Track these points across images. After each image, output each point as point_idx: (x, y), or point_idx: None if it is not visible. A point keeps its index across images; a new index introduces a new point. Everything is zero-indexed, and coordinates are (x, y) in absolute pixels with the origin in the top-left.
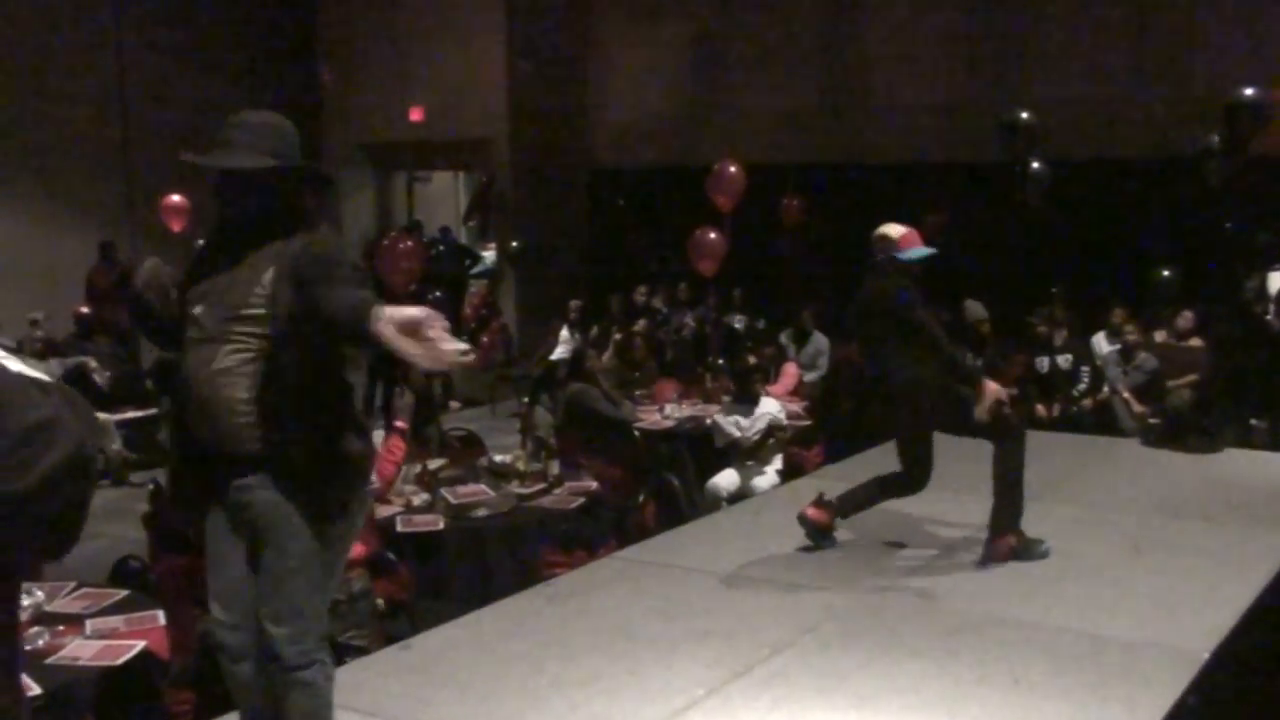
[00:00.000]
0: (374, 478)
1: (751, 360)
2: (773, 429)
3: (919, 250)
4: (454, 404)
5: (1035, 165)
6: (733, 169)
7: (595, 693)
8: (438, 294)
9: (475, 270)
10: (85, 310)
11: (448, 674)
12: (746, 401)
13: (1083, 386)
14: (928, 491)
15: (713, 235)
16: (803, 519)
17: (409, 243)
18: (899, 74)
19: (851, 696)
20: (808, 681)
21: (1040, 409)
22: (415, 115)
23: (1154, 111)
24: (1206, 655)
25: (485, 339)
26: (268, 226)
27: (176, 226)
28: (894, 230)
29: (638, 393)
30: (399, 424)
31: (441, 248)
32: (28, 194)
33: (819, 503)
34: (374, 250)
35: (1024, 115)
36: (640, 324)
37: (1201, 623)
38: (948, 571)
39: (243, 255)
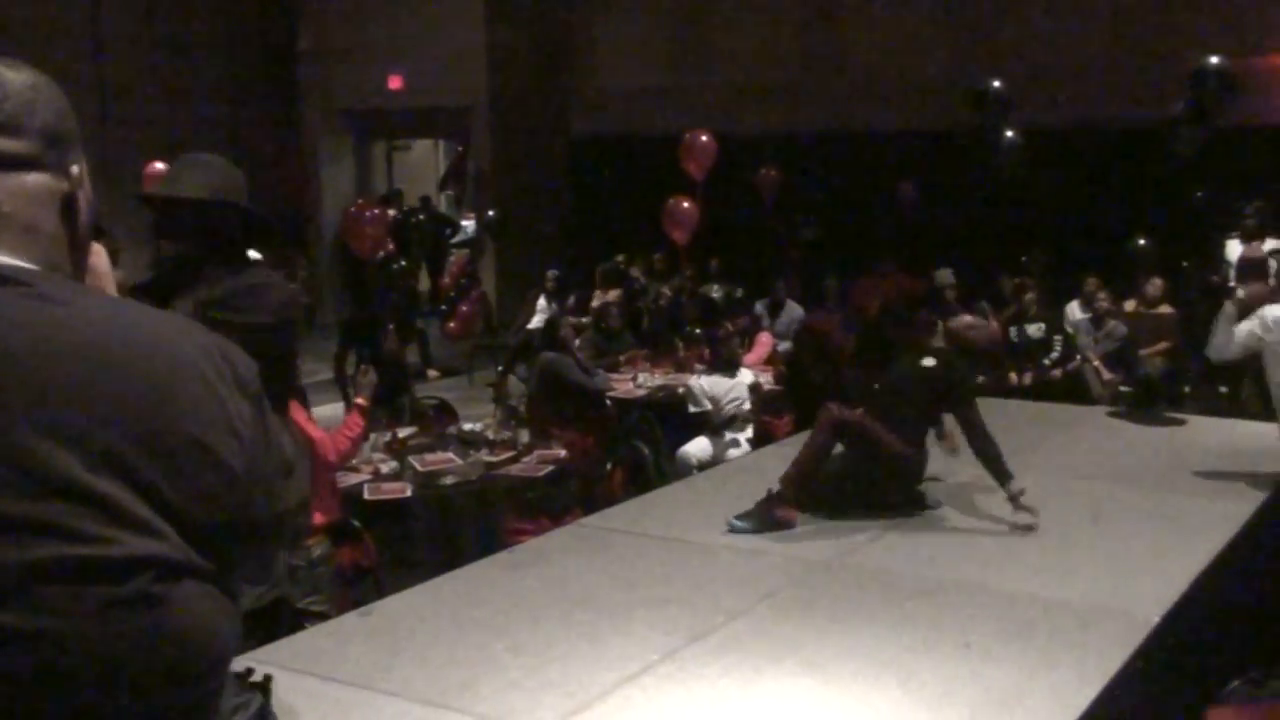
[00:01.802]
0: (330, 453)
1: (728, 327)
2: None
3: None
4: (432, 373)
5: (1008, 134)
6: (704, 138)
7: (551, 658)
8: (402, 263)
9: (455, 240)
10: (160, 166)
11: (406, 640)
12: (723, 368)
13: (1054, 355)
14: None
15: (686, 204)
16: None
17: (375, 211)
18: (878, 43)
19: (803, 663)
20: (761, 647)
21: (1012, 377)
22: (394, 83)
23: (1127, 79)
24: (1156, 620)
25: (464, 308)
26: (200, 264)
27: None
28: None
29: (621, 358)
30: (359, 400)
31: (421, 217)
32: None
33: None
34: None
35: (995, 83)
36: (613, 293)
37: (1153, 588)
38: (909, 537)
39: (170, 298)
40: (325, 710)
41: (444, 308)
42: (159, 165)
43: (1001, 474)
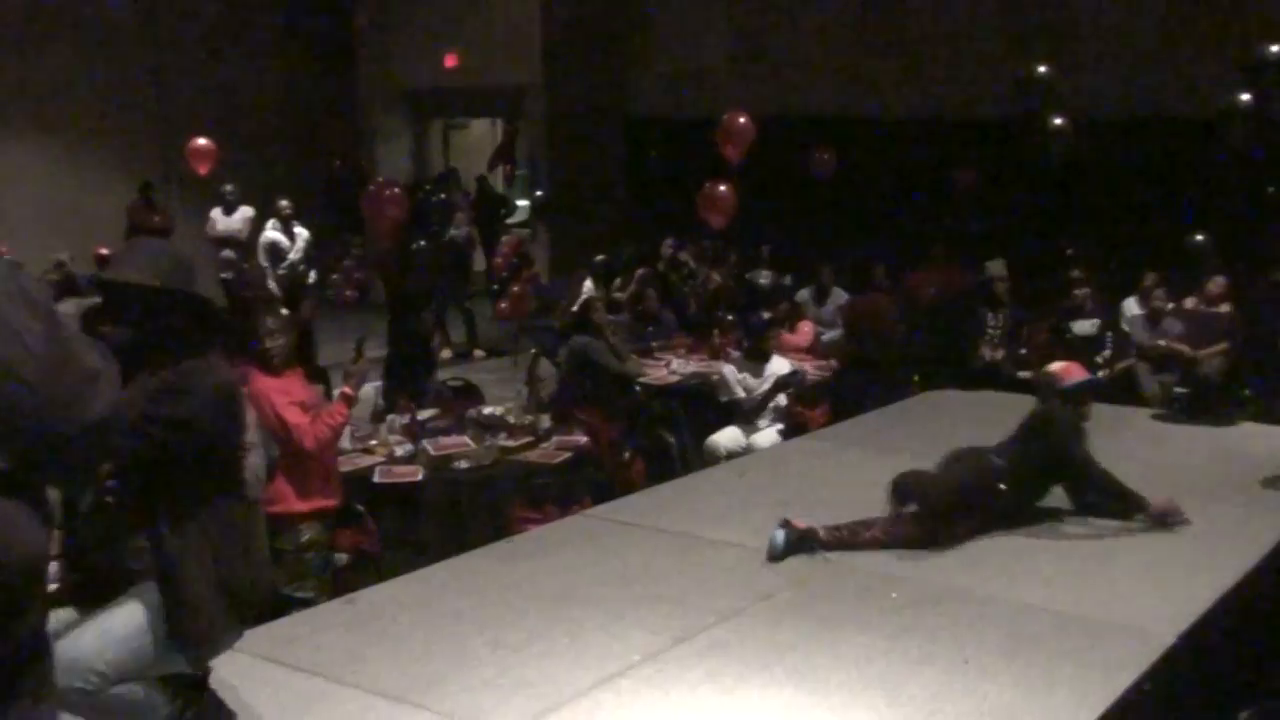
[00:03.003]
0: (307, 439)
1: (766, 315)
2: (779, 386)
3: (1078, 378)
4: (478, 353)
5: (1057, 121)
6: (742, 120)
7: (530, 656)
8: (422, 243)
9: (510, 219)
10: (105, 252)
11: (385, 630)
12: (758, 358)
13: (1106, 353)
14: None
15: (722, 188)
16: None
17: (394, 189)
18: (936, 27)
19: (789, 670)
20: (748, 653)
21: None
22: (450, 62)
23: (1184, 68)
24: (1171, 640)
25: (515, 288)
26: (144, 349)
27: (203, 170)
28: (1055, 366)
29: (654, 344)
30: (345, 390)
31: (442, 195)
32: (64, 139)
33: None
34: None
35: (1040, 69)
36: (640, 272)
37: (1173, 606)
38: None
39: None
40: (284, 702)
41: (495, 288)
42: (201, 141)
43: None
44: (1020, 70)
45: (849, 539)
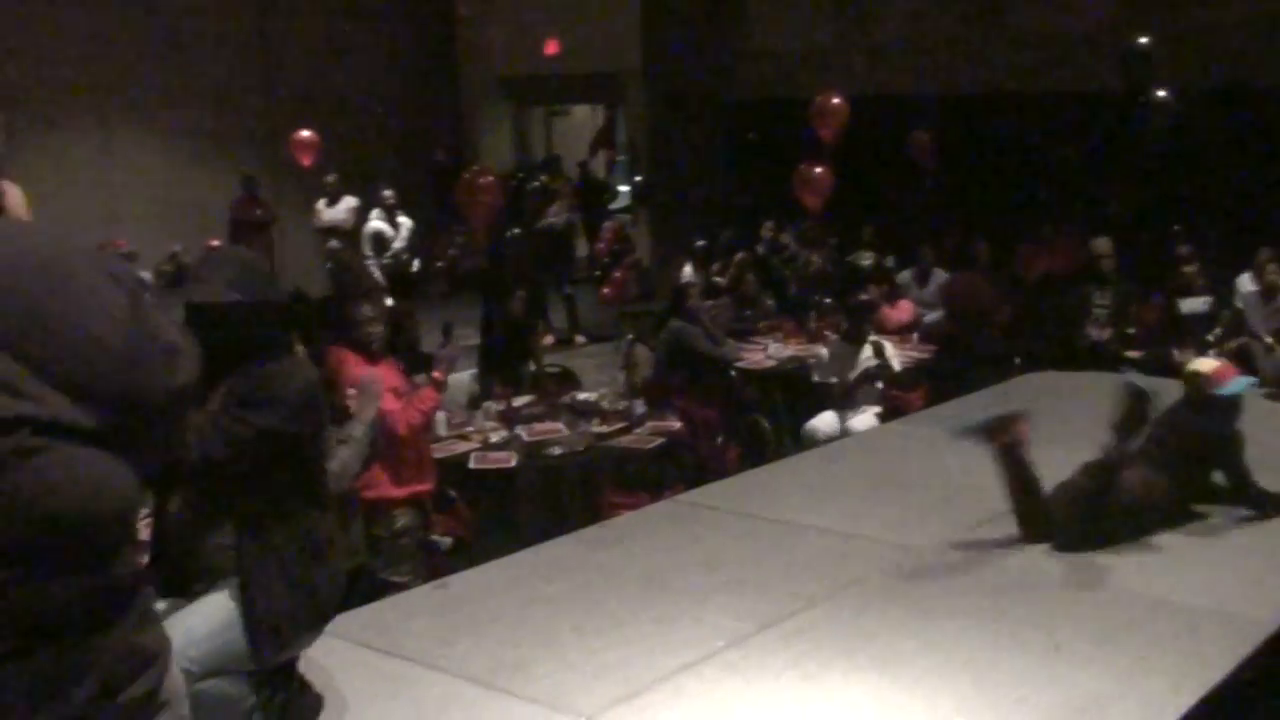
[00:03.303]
0: (400, 425)
1: (863, 297)
2: (866, 378)
3: (1237, 383)
4: (579, 339)
5: (1160, 94)
6: (835, 100)
7: (614, 641)
8: (515, 231)
9: (612, 205)
10: (215, 244)
11: (472, 615)
12: (856, 341)
13: (1218, 331)
14: (1034, 442)
15: (818, 170)
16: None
17: (488, 177)
18: (1039, 1)
19: (874, 657)
20: (834, 638)
21: (1175, 353)
22: (551, 48)
23: None
24: (1275, 628)
25: (618, 274)
26: (228, 358)
27: (306, 161)
28: (1205, 366)
29: (761, 325)
30: (436, 375)
31: (535, 183)
32: (176, 129)
33: None
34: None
35: (1141, 40)
36: (739, 255)
37: (1277, 592)
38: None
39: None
40: (372, 686)
41: (598, 273)
42: (304, 133)
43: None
44: (1125, 43)
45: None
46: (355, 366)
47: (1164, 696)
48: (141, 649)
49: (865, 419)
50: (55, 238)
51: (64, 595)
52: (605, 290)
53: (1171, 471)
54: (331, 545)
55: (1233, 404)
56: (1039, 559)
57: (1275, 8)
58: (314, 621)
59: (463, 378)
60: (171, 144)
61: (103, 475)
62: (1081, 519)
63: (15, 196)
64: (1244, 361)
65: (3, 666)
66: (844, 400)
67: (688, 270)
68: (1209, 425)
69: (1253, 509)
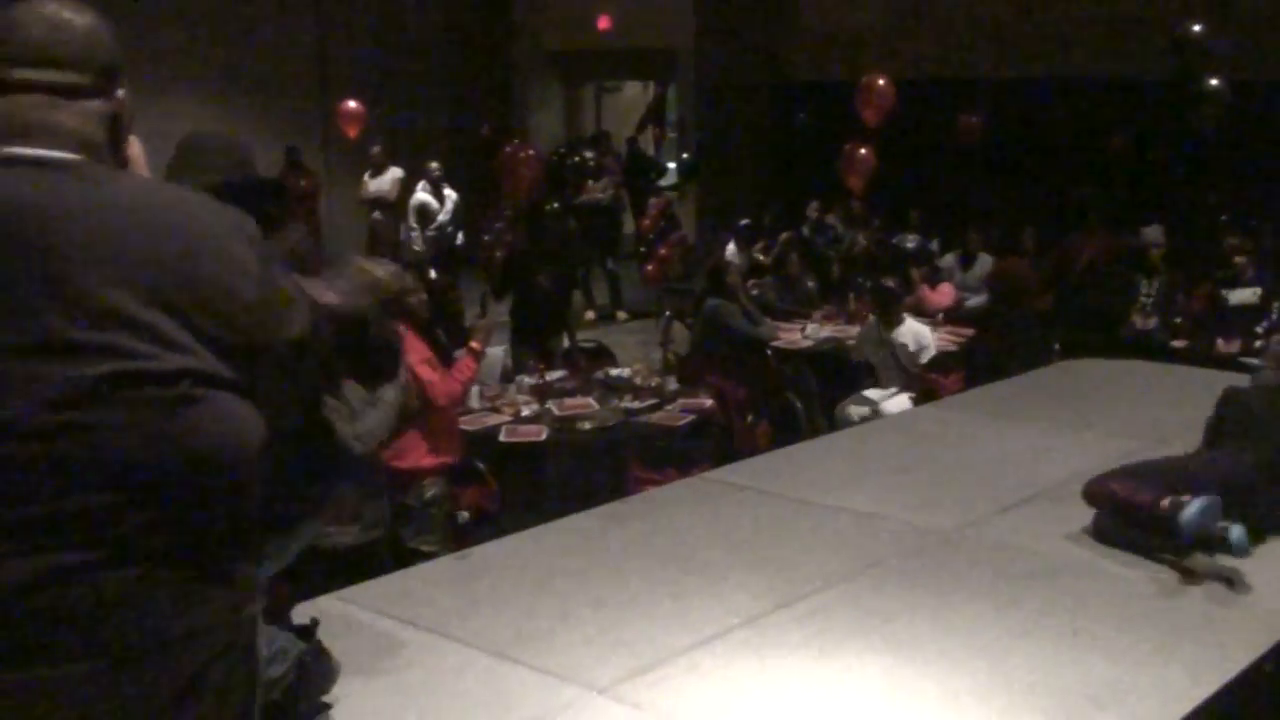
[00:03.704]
0: (440, 395)
1: (889, 282)
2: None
3: None
4: (621, 315)
5: (1213, 83)
6: (880, 82)
7: (632, 616)
8: (555, 205)
9: (661, 183)
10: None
11: (492, 588)
12: (890, 323)
13: (1265, 324)
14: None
15: (862, 151)
16: None
17: (529, 151)
18: None
19: (889, 639)
20: (850, 619)
21: (1220, 344)
22: (603, 23)
23: None
24: None
25: (663, 251)
26: None
27: (352, 132)
28: None
29: (803, 306)
30: (474, 344)
31: (578, 159)
32: (230, 105)
33: None
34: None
35: (1196, 28)
36: (783, 235)
37: None
38: (1042, 511)
39: None
40: (392, 655)
41: (643, 250)
42: (351, 104)
43: None
44: (1178, 29)
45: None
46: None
47: (1182, 686)
48: (254, 575)
49: (899, 401)
50: (186, 195)
51: (207, 525)
52: (649, 267)
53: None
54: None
55: None
56: (1061, 545)
57: None
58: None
59: (495, 351)
60: (226, 115)
61: (244, 419)
62: None
63: (137, 151)
64: None
65: (155, 581)
66: (874, 382)
67: (731, 249)
68: None
69: None
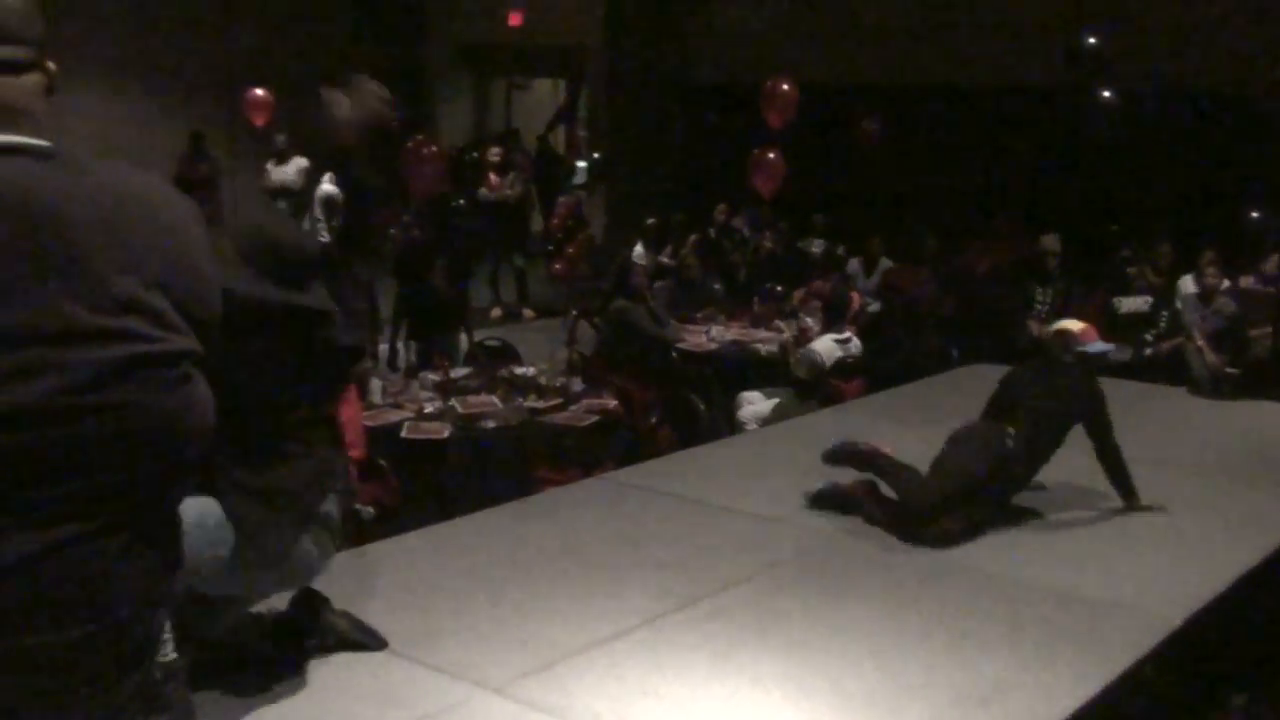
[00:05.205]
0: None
1: (778, 288)
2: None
3: (1100, 345)
4: (527, 313)
5: (1104, 94)
6: (785, 86)
7: (529, 613)
8: (460, 202)
9: (573, 181)
10: None
11: (390, 583)
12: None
13: (1153, 333)
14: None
15: (771, 155)
16: None
17: (431, 148)
18: None
19: (786, 639)
20: (748, 619)
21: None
22: (514, 20)
23: (1237, 44)
24: (1177, 623)
25: (570, 250)
26: None
27: (259, 121)
28: (1074, 325)
29: (698, 315)
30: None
31: (475, 155)
32: (129, 84)
33: None
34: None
35: (1090, 39)
36: (691, 237)
37: (1185, 588)
38: None
39: None
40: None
41: (551, 248)
42: (259, 92)
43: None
44: (1074, 38)
45: (884, 467)
46: None
47: (1066, 686)
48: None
49: (758, 407)
50: (152, 180)
51: (181, 493)
52: (557, 266)
53: (1029, 437)
54: None
55: (1095, 362)
56: (951, 550)
57: (1217, 11)
58: None
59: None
60: (120, 90)
61: (209, 396)
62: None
63: None
64: (1179, 362)
65: (139, 550)
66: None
67: (638, 250)
68: (1078, 383)
69: (1112, 468)
